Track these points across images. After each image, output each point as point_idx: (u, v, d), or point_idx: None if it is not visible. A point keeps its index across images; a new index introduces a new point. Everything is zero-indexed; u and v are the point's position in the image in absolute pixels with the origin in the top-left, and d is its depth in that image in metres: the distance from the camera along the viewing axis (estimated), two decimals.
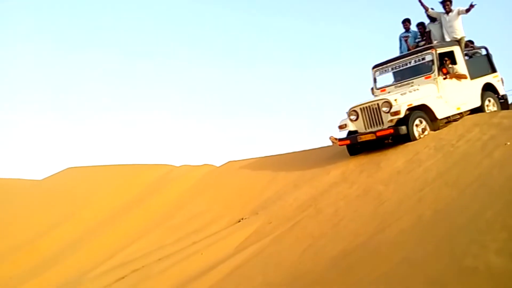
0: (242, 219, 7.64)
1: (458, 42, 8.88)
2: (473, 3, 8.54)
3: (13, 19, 32.62)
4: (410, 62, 8.85)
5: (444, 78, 8.39)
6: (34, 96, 33.08)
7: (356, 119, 8.40)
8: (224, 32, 40.17)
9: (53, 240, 9.28)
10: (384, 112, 7.97)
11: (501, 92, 9.43)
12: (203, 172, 11.64)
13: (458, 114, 8.53)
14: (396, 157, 7.25)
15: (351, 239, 4.84)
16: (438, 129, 8.12)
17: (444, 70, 8.33)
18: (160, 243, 7.81)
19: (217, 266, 5.95)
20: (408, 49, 9.48)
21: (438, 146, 6.91)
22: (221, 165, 12.05)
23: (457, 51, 8.76)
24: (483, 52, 9.55)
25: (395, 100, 7.98)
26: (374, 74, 9.41)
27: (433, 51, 8.47)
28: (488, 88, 9.16)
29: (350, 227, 5.34)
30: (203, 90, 38.35)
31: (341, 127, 8.56)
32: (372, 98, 8.72)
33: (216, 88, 38.23)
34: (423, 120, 7.97)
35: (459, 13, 8.83)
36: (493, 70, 9.38)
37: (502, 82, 9.49)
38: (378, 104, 8.12)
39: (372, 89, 9.33)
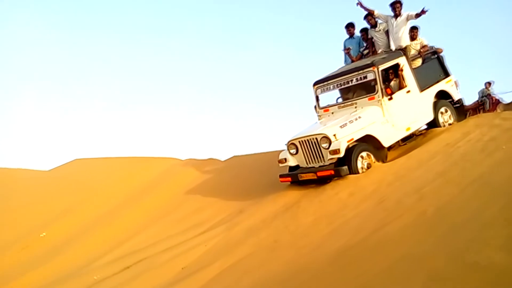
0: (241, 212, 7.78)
1: (403, 51, 8.17)
2: (425, 9, 7.90)
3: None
4: (351, 80, 8.04)
5: (390, 99, 7.65)
6: (41, 87, 33.22)
7: (296, 153, 7.64)
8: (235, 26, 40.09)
9: (60, 229, 9.40)
10: (323, 148, 7.25)
11: (456, 97, 8.77)
12: (208, 166, 11.74)
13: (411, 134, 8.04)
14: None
15: (351, 236, 4.88)
16: (386, 157, 7.52)
17: (389, 91, 7.61)
18: (165, 234, 7.93)
19: (220, 258, 6.07)
20: (352, 61, 8.95)
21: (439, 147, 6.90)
22: (226, 160, 12.23)
23: (403, 62, 7.99)
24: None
25: (334, 135, 7.13)
26: (316, 92, 8.58)
27: (374, 69, 7.63)
28: (442, 96, 8.64)
29: (351, 223, 5.42)
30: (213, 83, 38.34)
31: (281, 161, 7.83)
32: (311, 129, 7.79)
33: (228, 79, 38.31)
34: (367, 153, 7.24)
35: (408, 18, 8.20)
36: (446, 74, 8.74)
37: (457, 85, 8.87)
38: (316, 139, 7.32)
39: (315, 107, 8.60)
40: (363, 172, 7.11)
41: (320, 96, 8.59)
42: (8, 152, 25.72)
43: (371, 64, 7.78)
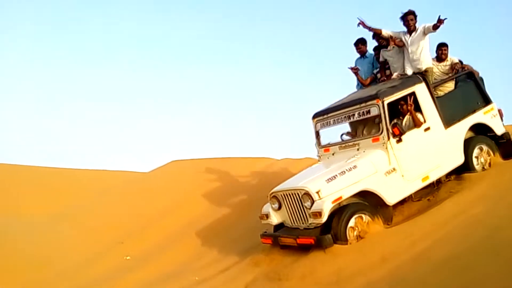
0: None
1: (423, 75, 6.38)
2: (442, 17, 6.06)
3: None
4: (353, 115, 6.32)
5: (398, 141, 5.88)
6: (137, 89, 34.67)
7: (279, 208, 6.09)
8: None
9: (160, 229, 9.09)
10: (306, 207, 5.61)
11: (499, 131, 6.83)
12: (305, 165, 10.77)
13: (429, 185, 6.18)
14: None
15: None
16: (391, 219, 5.82)
17: (396, 131, 5.80)
18: None
19: None
20: (362, 85, 7.29)
21: None
22: None
23: (421, 91, 6.19)
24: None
25: (318, 192, 5.45)
26: (315, 127, 6.95)
27: (379, 103, 5.90)
28: (479, 130, 6.75)
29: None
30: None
31: (261, 217, 6.29)
32: (298, 179, 6.23)
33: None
34: (362, 214, 5.52)
35: (425, 31, 6.38)
36: (486, 101, 6.83)
37: (501, 115, 6.93)
38: (298, 194, 5.72)
39: (315, 145, 7.02)
40: (355, 241, 5.44)
41: (321, 132, 6.94)
42: (109, 155, 27.66)
43: (375, 96, 6.04)
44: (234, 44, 37.47)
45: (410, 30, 6.53)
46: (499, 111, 6.94)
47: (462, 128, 6.55)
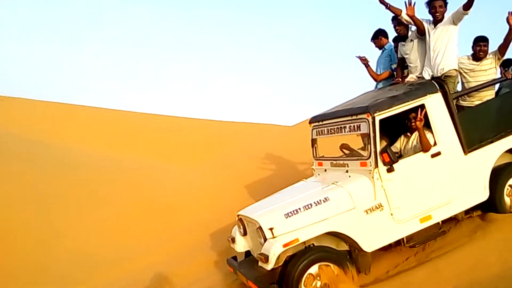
0: None
1: (441, 81, 4.87)
2: None
3: None
4: (345, 128, 5.01)
5: (389, 170, 4.51)
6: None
7: (245, 234, 5.03)
8: None
9: None
10: (261, 243, 4.46)
11: None
12: None
13: (432, 227, 4.71)
14: None
15: None
16: (369, 268, 4.55)
17: (386, 157, 4.43)
18: None
19: None
20: (375, 80, 5.91)
21: None
22: None
23: (434, 104, 4.72)
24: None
25: (271, 229, 4.36)
26: (311, 133, 5.69)
27: (369, 118, 4.55)
28: None
29: None
30: None
31: (229, 241, 5.27)
32: (257, 208, 5.01)
33: None
34: (325, 264, 4.33)
35: (454, 20, 4.86)
36: None
37: None
38: (255, 224, 4.60)
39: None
40: None
41: (318, 140, 5.66)
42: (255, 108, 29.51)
43: (365, 109, 4.68)
44: None
45: (436, 20, 4.97)
46: None
47: (492, 153, 4.94)
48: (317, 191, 4.71)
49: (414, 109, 4.73)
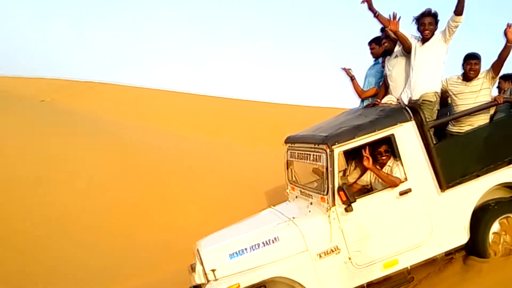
0: None
1: (416, 108, 4.24)
2: None
3: None
4: (309, 156, 4.49)
5: (348, 209, 3.96)
6: None
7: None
8: None
9: None
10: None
11: None
12: None
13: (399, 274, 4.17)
14: None
15: None
16: None
17: (342, 196, 3.91)
18: None
19: None
20: (359, 96, 5.28)
21: None
22: None
23: (404, 134, 4.14)
24: None
25: (213, 271, 3.97)
26: (286, 154, 5.21)
27: (327, 150, 4.04)
28: None
29: None
30: None
31: (189, 270, 4.75)
32: (208, 242, 4.48)
33: None
34: None
35: (445, 36, 4.30)
36: None
37: None
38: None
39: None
40: None
41: (293, 162, 5.17)
42: None
43: (324, 140, 4.17)
44: None
45: (425, 38, 4.39)
46: None
47: (477, 189, 4.28)
48: (270, 228, 4.29)
49: (384, 140, 4.18)
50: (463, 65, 4.56)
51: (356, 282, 4.10)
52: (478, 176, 4.28)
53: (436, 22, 4.36)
